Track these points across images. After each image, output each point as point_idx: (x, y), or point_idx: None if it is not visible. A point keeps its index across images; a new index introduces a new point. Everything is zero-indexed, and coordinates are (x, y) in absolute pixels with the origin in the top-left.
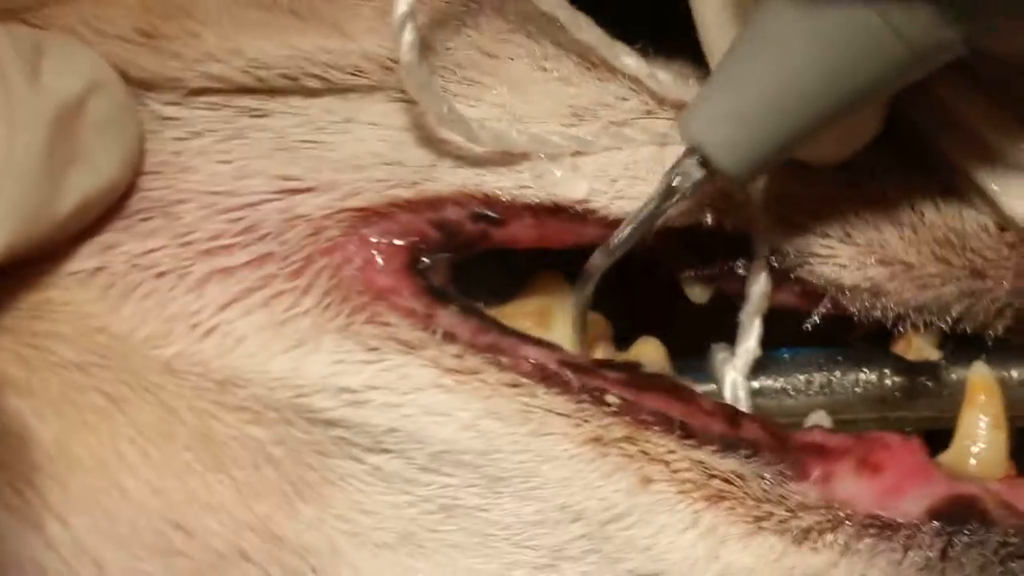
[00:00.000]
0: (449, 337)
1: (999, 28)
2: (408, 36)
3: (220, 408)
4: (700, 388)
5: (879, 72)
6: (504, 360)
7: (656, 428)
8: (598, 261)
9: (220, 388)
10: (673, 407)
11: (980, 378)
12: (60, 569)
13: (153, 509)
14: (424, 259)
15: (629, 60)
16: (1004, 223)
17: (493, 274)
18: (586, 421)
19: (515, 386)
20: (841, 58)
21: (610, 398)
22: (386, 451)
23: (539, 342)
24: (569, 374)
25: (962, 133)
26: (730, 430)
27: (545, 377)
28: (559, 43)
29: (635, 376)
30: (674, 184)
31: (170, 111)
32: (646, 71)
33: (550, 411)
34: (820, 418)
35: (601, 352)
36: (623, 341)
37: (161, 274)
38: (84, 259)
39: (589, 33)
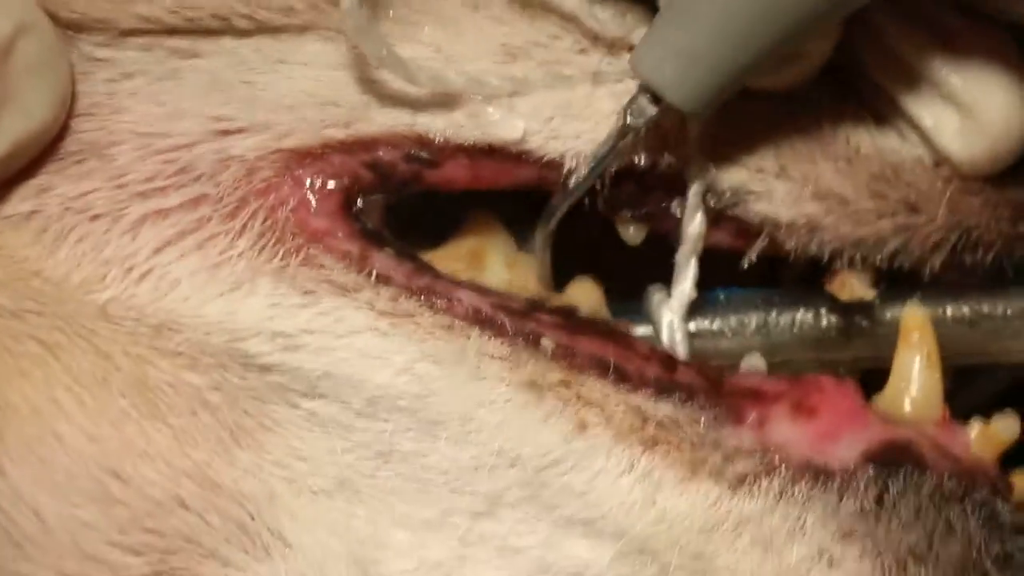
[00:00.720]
0: (384, 280)
1: None
2: None
3: (155, 353)
4: (637, 330)
5: None
6: (438, 303)
7: (591, 372)
8: (558, 201)
9: (155, 333)
10: (608, 350)
11: (914, 317)
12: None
13: (89, 456)
14: (358, 201)
15: None
16: (939, 158)
17: (426, 217)
18: (521, 364)
19: (450, 328)
20: None
21: (545, 341)
22: (322, 396)
23: (473, 286)
24: (503, 317)
25: (899, 66)
26: (665, 374)
27: (479, 320)
28: None
29: (570, 319)
30: (628, 122)
31: (101, 52)
32: (586, 10)
33: (485, 354)
34: (755, 361)
35: (534, 291)
36: (559, 283)
37: (95, 216)
38: (17, 202)
39: None
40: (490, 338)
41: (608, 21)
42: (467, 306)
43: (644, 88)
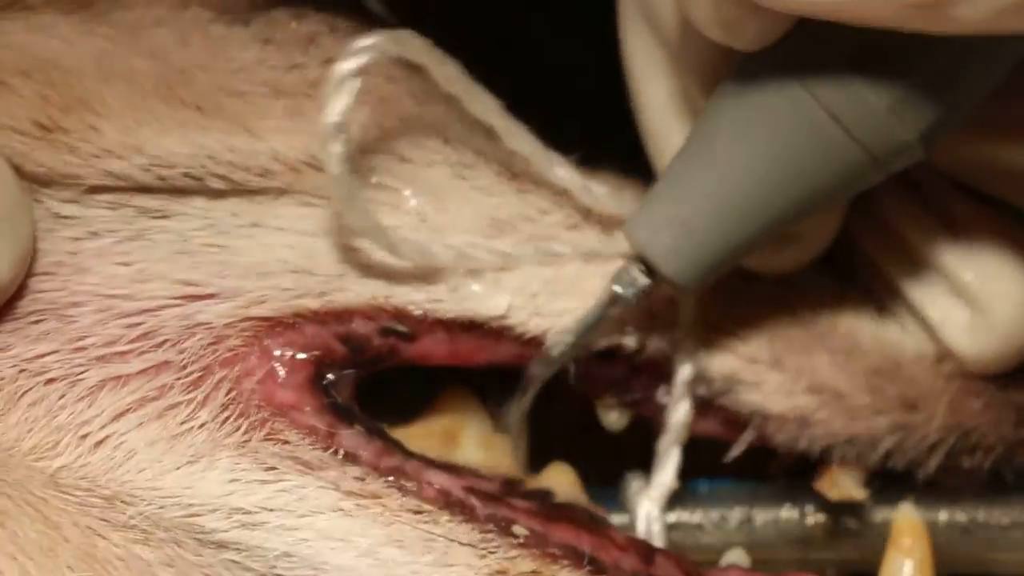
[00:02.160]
0: (351, 458)
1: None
2: (338, 148)
3: (106, 526)
4: (613, 519)
5: (831, 176)
6: (408, 485)
7: (565, 562)
8: (537, 371)
9: (107, 504)
10: (584, 540)
11: (906, 520)
12: None
13: None
14: (329, 375)
15: (562, 171)
16: (942, 354)
17: (399, 387)
18: (491, 552)
19: (418, 512)
20: (790, 162)
21: (517, 529)
22: None
23: (445, 466)
24: (475, 501)
25: (904, 254)
26: (643, 567)
27: (449, 504)
28: (479, 151)
29: (545, 505)
30: (618, 292)
31: (67, 209)
32: (580, 183)
33: (453, 540)
34: (737, 556)
35: (509, 472)
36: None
37: (51, 380)
38: None
39: (524, 142)
40: (460, 523)
41: (603, 197)
42: (437, 489)
43: (636, 258)
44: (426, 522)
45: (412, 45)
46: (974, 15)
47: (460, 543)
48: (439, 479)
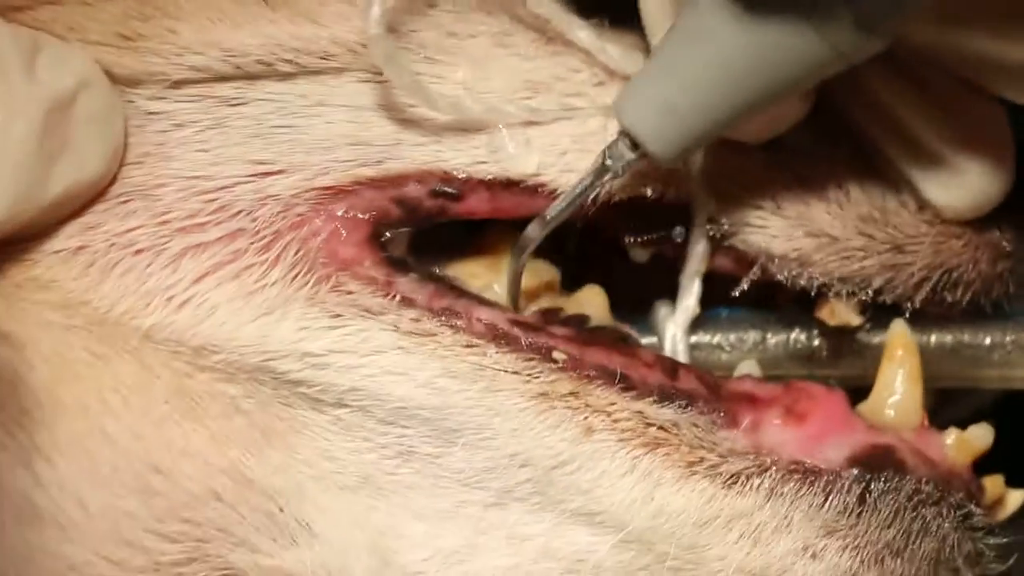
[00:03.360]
0: (407, 302)
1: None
2: (376, 10)
3: (194, 368)
4: (643, 341)
5: (803, 67)
6: (458, 323)
7: (599, 381)
8: (533, 232)
9: (195, 353)
10: (615, 360)
11: (899, 335)
12: (48, 505)
13: (133, 452)
14: (386, 233)
15: (582, 33)
16: (923, 203)
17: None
18: (535, 377)
19: (469, 346)
20: (768, 53)
21: (557, 355)
22: (347, 406)
23: (491, 303)
24: (519, 332)
25: (887, 120)
26: (668, 381)
27: (496, 337)
28: (517, 18)
29: (581, 331)
30: (607, 164)
31: (155, 106)
32: (598, 45)
33: (501, 369)
34: (750, 366)
35: (548, 299)
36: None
37: (139, 251)
38: (66, 238)
39: (547, 7)
40: (505, 353)
41: (619, 57)
42: (485, 323)
43: (624, 133)
44: (476, 354)
45: None
46: None
47: (507, 371)
48: (486, 314)
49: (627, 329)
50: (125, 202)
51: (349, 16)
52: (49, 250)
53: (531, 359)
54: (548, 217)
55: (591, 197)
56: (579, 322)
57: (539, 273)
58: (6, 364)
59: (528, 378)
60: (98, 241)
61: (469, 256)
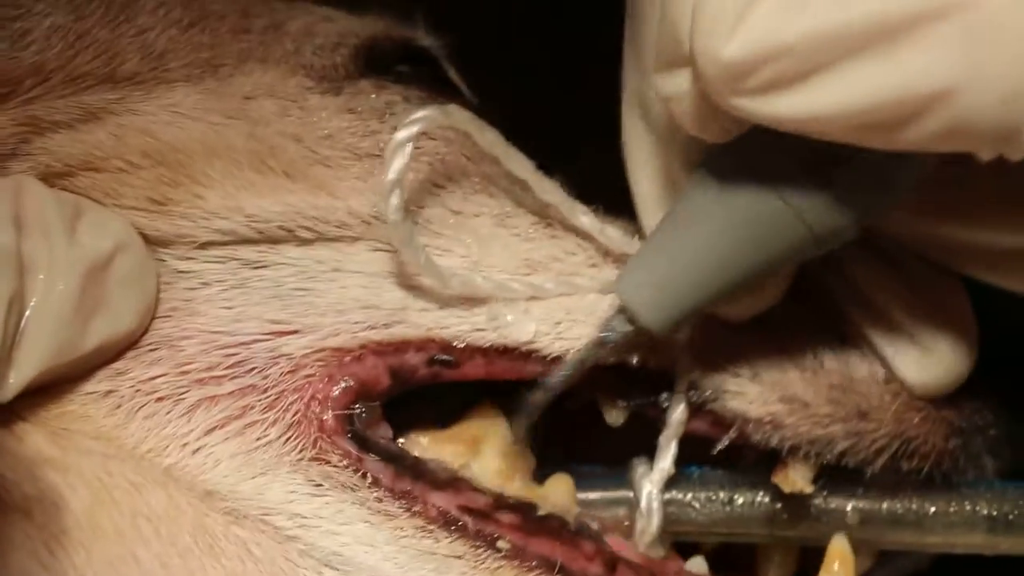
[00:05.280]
0: (375, 482)
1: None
2: (395, 200)
3: (209, 508)
4: (617, 494)
5: (783, 249)
6: (416, 507)
7: (539, 570)
8: (537, 398)
9: (208, 496)
10: (557, 551)
11: (837, 547)
12: None
13: None
14: (358, 406)
15: (585, 219)
16: (890, 376)
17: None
18: (480, 563)
19: (423, 529)
20: (751, 236)
21: (501, 543)
22: (333, 568)
23: (448, 484)
24: (467, 519)
25: (862, 296)
26: (606, 574)
27: (447, 522)
28: (519, 202)
29: (527, 520)
30: (605, 336)
31: (183, 265)
32: (598, 228)
33: (449, 555)
34: (698, 565)
35: (519, 483)
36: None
37: (160, 398)
38: (97, 382)
39: (552, 194)
40: (455, 539)
41: (617, 239)
42: (438, 509)
43: (621, 309)
44: (428, 538)
45: (457, 116)
46: (917, 138)
47: (455, 556)
48: (440, 500)
49: (584, 519)
50: (152, 351)
51: (363, 191)
52: (83, 391)
53: (477, 546)
54: (549, 384)
55: (587, 367)
56: (527, 510)
57: (512, 457)
58: (51, 486)
59: (474, 564)
60: (125, 386)
61: (451, 429)
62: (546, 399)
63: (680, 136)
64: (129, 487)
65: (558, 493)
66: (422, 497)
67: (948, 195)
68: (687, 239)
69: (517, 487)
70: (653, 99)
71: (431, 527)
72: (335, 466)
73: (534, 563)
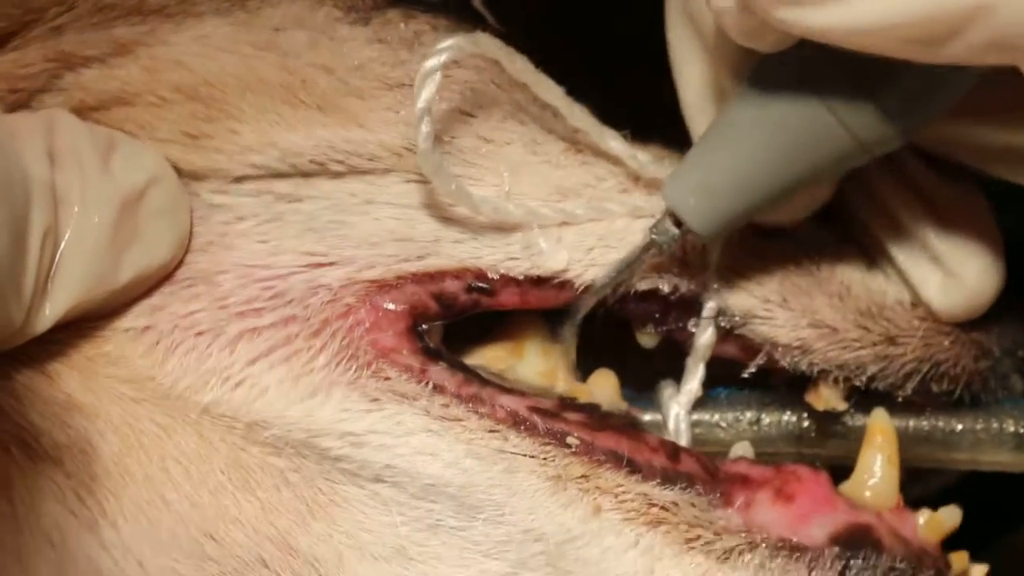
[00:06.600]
0: (439, 389)
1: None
2: (425, 128)
3: (247, 442)
4: (647, 417)
5: (828, 158)
6: (483, 409)
7: (608, 465)
8: (584, 300)
9: (247, 428)
10: (623, 445)
11: (879, 422)
12: (111, 568)
13: (190, 520)
14: (423, 324)
15: (615, 143)
16: (917, 301)
17: None
18: (550, 461)
19: (491, 431)
20: (795, 145)
21: (570, 440)
22: (383, 481)
23: (512, 391)
24: (537, 419)
25: (890, 222)
26: (670, 464)
27: (516, 423)
28: (549, 129)
29: (593, 417)
30: (654, 238)
31: (218, 199)
32: (629, 153)
33: (519, 453)
34: (744, 448)
35: (563, 381)
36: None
37: (200, 333)
38: (135, 318)
39: (582, 120)
40: (524, 438)
41: (647, 164)
42: (507, 410)
43: (670, 213)
44: (497, 439)
45: (486, 43)
46: (959, 52)
47: (525, 455)
48: (508, 402)
49: (634, 413)
50: (189, 286)
51: (395, 122)
52: (119, 328)
53: (547, 444)
54: (597, 286)
55: (635, 269)
56: (592, 409)
57: (553, 357)
58: (80, 434)
59: (544, 461)
60: (163, 322)
61: (493, 340)
62: (593, 301)
63: (728, 46)
64: (157, 430)
65: (604, 389)
66: (490, 400)
67: (982, 95)
68: (734, 146)
69: (562, 386)
70: (701, 7)
71: (499, 427)
72: (394, 380)
73: (603, 458)
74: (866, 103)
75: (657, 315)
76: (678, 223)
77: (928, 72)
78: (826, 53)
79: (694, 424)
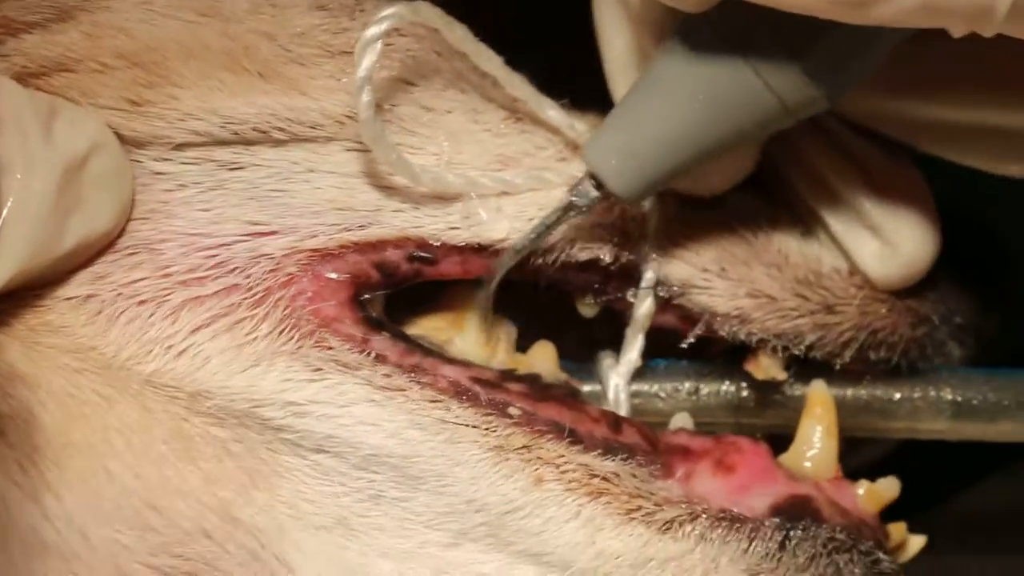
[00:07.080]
0: (381, 359)
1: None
2: (366, 97)
3: (190, 412)
4: (586, 388)
5: (752, 120)
6: (425, 379)
7: (550, 436)
8: (503, 261)
9: (190, 399)
10: (565, 415)
11: (818, 393)
12: (54, 538)
13: (133, 490)
14: (365, 294)
15: (553, 112)
16: (853, 269)
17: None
18: (492, 431)
19: (434, 401)
20: (719, 106)
21: (512, 410)
22: (325, 451)
23: (454, 361)
24: (479, 389)
25: (823, 189)
26: (612, 435)
27: (458, 393)
28: (489, 98)
29: (534, 388)
30: (573, 200)
31: (160, 167)
32: (567, 122)
33: (462, 424)
34: (684, 419)
35: (503, 352)
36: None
37: (142, 302)
38: (77, 286)
39: (521, 89)
40: (466, 408)
41: (585, 133)
42: (449, 380)
43: (590, 175)
44: (440, 408)
45: (426, 12)
46: (888, 14)
47: (467, 425)
48: (451, 372)
49: (574, 383)
50: (131, 255)
51: (336, 90)
52: (61, 296)
53: (489, 414)
54: (517, 247)
55: (553, 231)
56: (533, 380)
57: (493, 331)
58: (22, 404)
59: (486, 432)
60: (106, 291)
61: (432, 311)
62: (510, 262)
63: (652, 7)
64: (99, 401)
65: (543, 360)
66: (432, 370)
67: (909, 70)
68: (656, 107)
69: (502, 357)
70: None
71: (441, 397)
72: (336, 350)
73: (544, 428)
74: (791, 64)
75: (597, 285)
76: (599, 185)
77: (854, 34)
78: (751, 12)
79: (633, 395)
